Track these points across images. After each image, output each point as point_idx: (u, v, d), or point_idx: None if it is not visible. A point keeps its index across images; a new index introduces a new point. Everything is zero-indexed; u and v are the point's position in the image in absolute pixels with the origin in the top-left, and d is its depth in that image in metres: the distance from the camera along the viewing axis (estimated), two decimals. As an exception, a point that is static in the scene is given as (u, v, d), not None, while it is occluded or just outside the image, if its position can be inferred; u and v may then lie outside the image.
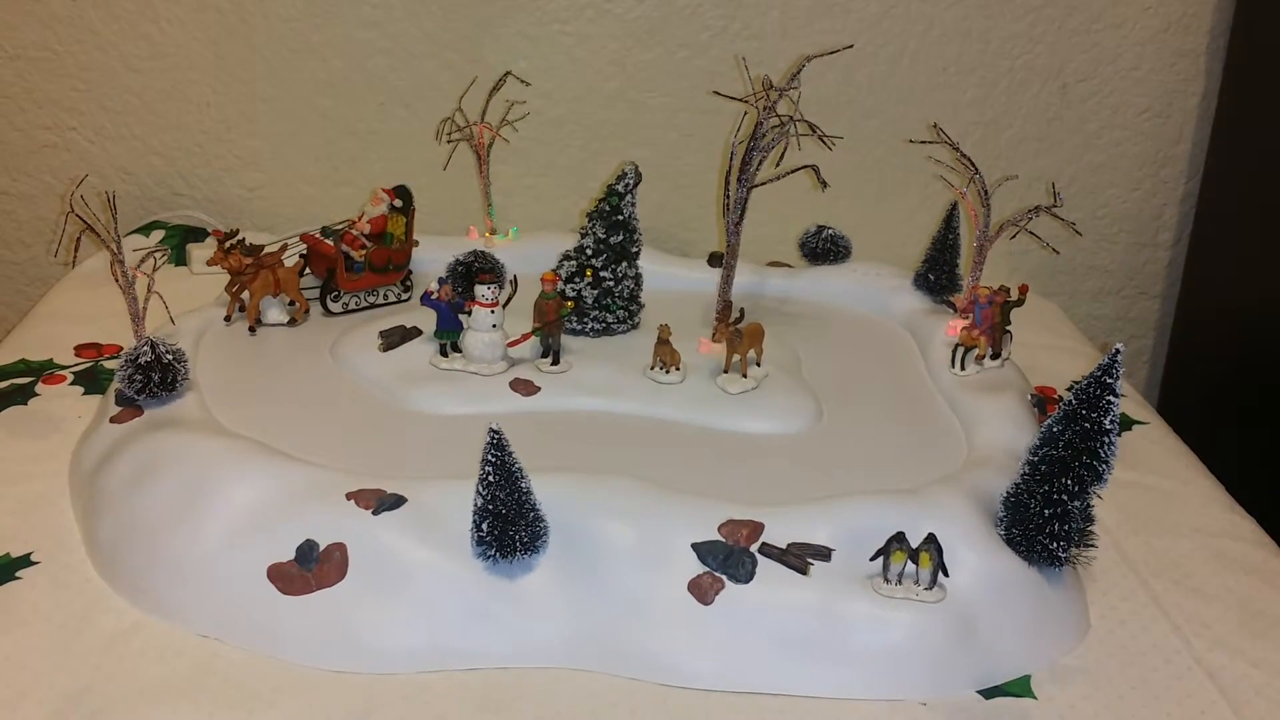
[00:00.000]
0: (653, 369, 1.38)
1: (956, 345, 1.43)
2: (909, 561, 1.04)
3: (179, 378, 1.25)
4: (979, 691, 1.03)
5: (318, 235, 1.55)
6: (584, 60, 1.89)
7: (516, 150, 1.86)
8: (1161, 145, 2.00)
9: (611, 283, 1.46)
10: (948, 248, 1.59)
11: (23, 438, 1.32)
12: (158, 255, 1.31)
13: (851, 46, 1.78)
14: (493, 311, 1.36)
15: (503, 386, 1.34)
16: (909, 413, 1.38)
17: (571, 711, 0.99)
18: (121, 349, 1.47)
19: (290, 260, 1.51)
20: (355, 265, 1.52)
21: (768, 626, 1.04)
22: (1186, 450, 1.47)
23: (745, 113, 1.48)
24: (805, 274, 1.72)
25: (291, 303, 1.50)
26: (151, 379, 1.23)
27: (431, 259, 1.63)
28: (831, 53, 1.49)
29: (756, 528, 1.07)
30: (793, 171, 1.41)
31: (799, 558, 1.06)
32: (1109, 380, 1.01)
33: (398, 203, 1.55)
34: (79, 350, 1.51)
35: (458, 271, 1.55)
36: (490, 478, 1.02)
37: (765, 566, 1.05)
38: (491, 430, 1.01)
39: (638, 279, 1.50)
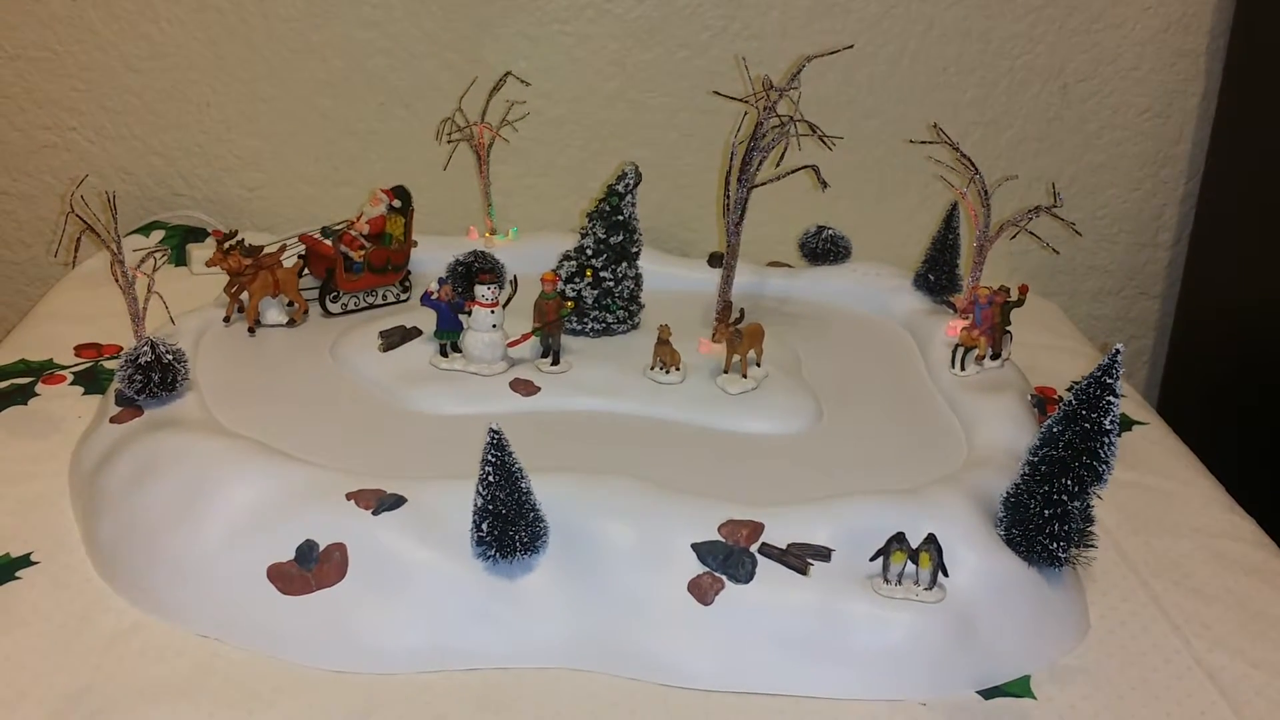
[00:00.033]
0: (653, 369, 1.38)
1: (956, 345, 1.43)
2: (909, 561, 1.04)
3: (179, 378, 1.25)
4: (979, 692, 1.03)
5: (316, 236, 1.55)
6: (584, 60, 1.89)
7: (516, 150, 1.86)
8: (1161, 145, 2.00)
9: (611, 283, 1.46)
10: (948, 248, 1.59)
11: (23, 438, 1.32)
12: (158, 255, 1.31)
13: (851, 46, 1.78)
14: (493, 311, 1.36)
15: (503, 386, 1.34)
16: (909, 413, 1.38)
17: (571, 711, 0.99)
18: (121, 349, 1.47)
19: (289, 261, 1.51)
20: (354, 266, 1.52)
21: (768, 627, 1.04)
22: (1186, 450, 1.47)
23: (745, 113, 1.48)
24: (805, 274, 1.72)
25: (290, 303, 1.50)
26: (151, 379, 1.23)
27: (431, 259, 1.63)
28: (831, 53, 1.49)
29: (756, 528, 1.07)
30: (793, 171, 1.41)
31: (799, 558, 1.06)
32: (1109, 380, 1.01)
33: (396, 203, 1.55)
34: (79, 350, 1.51)
35: (458, 271, 1.55)
36: (490, 478, 1.02)
37: (765, 566, 1.05)
38: (491, 430, 1.01)
39: (638, 279, 1.50)
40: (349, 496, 1.08)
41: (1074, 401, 1.03)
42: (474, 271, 1.50)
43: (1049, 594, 1.09)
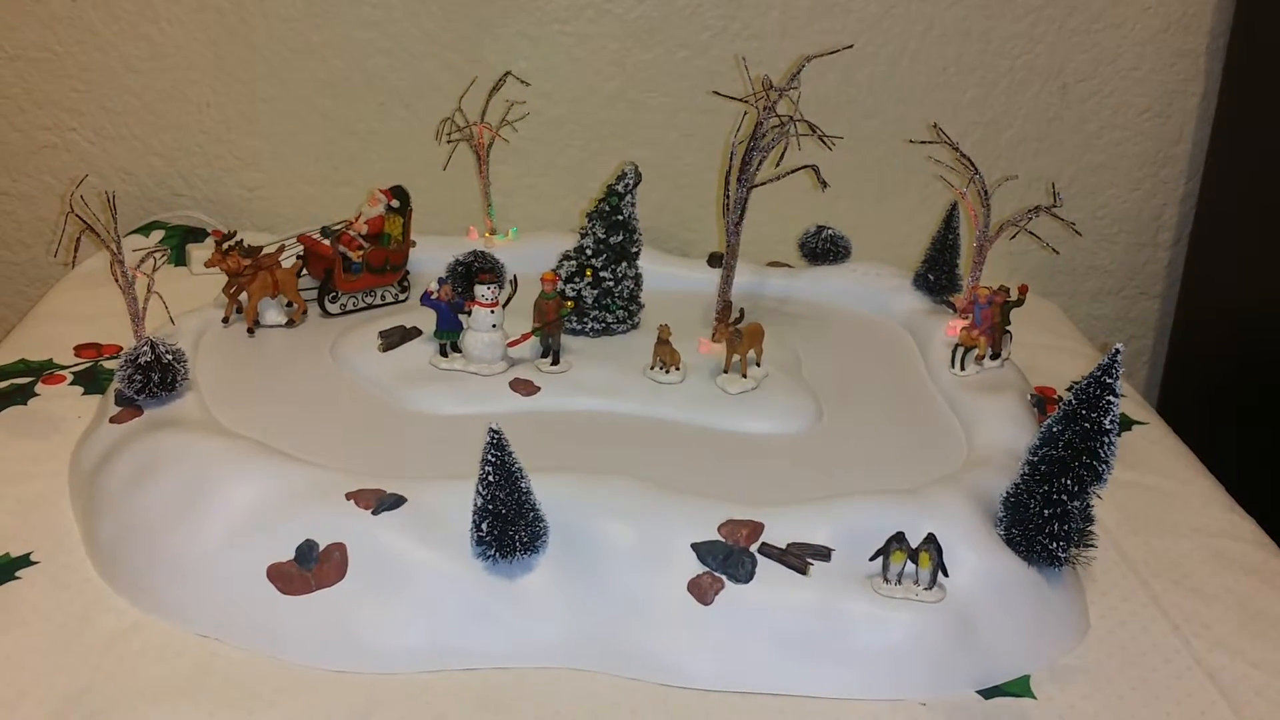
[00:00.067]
0: (653, 369, 1.38)
1: (956, 345, 1.43)
2: (909, 561, 1.04)
3: (179, 378, 1.25)
4: (979, 691, 1.03)
5: (315, 236, 1.55)
6: (584, 60, 1.89)
7: (516, 150, 1.86)
8: (1161, 145, 2.00)
9: (611, 283, 1.46)
10: (948, 248, 1.59)
11: (23, 438, 1.32)
12: (157, 255, 1.31)
13: (851, 46, 1.78)
14: (493, 311, 1.36)
15: (503, 386, 1.34)
16: (909, 413, 1.38)
17: (571, 711, 0.99)
18: (121, 349, 1.47)
19: (288, 261, 1.51)
20: (352, 266, 1.52)
21: (768, 626, 1.04)
22: (1186, 450, 1.47)
23: (745, 113, 1.48)
24: (805, 274, 1.72)
25: (289, 304, 1.50)
26: (151, 379, 1.23)
27: (431, 259, 1.63)
28: (831, 53, 1.49)
29: (756, 528, 1.07)
30: (793, 171, 1.41)
31: (799, 558, 1.06)
32: (1109, 380, 1.01)
33: (395, 203, 1.55)
34: (79, 350, 1.51)
35: (458, 271, 1.55)
36: (490, 478, 1.02)
37: (765, 566, 1.05)
38: (491, 430, 1.01)
39: (638, 279, 1.50)
40: (349, 496, 1.08)
41: (1074, 401, 1.03)
42: (474, 271, 1.50)
43: (1049, 594, 1.09)
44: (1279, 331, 1.77)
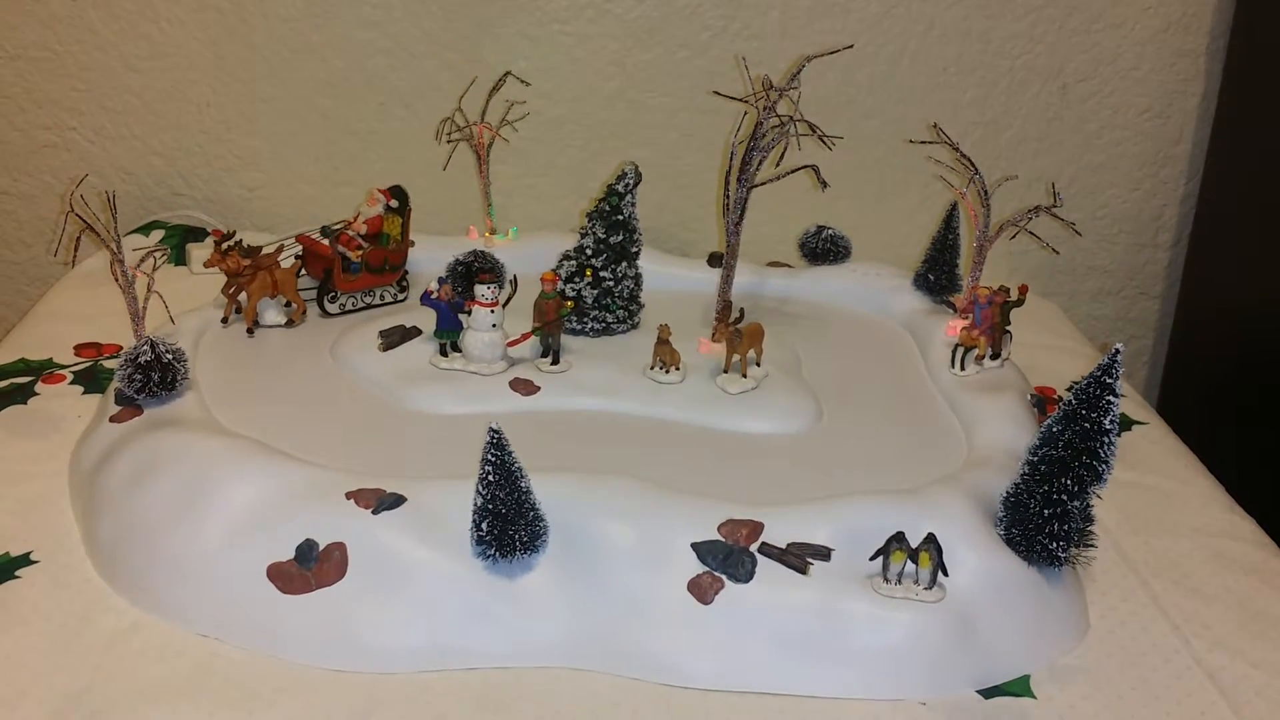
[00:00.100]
0: (653, 369, 1.38)
1: (956, 345, 1.43)
2: (909, 561, 1.04)
3: (179, 377, 1.25)
4: (979, 691, 1.03)
5: (314, 236, 1.55)
6: (584, 60, 1.89)
7: (516, 150, 1.86)
8: (1161, 145, 2.00)
9: (611, 283, 1.46)
10: (948, 248, 1.59)
11: (23, 437, 1.32)
12: (157, 255, 1.31)
13: (851, 46, 1.78)
14: (493, 311, 1.36)
15: (503, 386, 1.34)
16: (909, 413, 1.38)
17: (571, 711, 0.99)
18: (121, 348, 1.47)
19: (287, 261, 1.51)
20: (351, 266, 1.52)
21: (768, 626, 1.04)
22: (1186, 450, 1.47)
23: (745, 113, 1.48)
24: (805, 274, 1.72)
25: (289, 304, 1.50)
26: (151, 378, 1.23)
27: (431, 259, 1.63)
28: (831, 53, 1.49)
29: (756, 527, 1.07)
30: (793, 171, 1.41)
31: (799, 557, 1.06)
32: (1109, 380, 1.01)
33: (393, 203, 1.55)
34: (79, 350, 1.51)
35: (458, 271, 1.55)
36: (490, 477, 1.02)
37: (765, 566, 1.05)
38: (491, 430, 1.01)
39: (638, 279, 1.50)
40: (349, 496, 1.08)
41: (1074, 401, 1.03)
42: (474, 271, 1.50)
43: (1049, 594, 1.09)
44: (1279, 331, 1.77)
